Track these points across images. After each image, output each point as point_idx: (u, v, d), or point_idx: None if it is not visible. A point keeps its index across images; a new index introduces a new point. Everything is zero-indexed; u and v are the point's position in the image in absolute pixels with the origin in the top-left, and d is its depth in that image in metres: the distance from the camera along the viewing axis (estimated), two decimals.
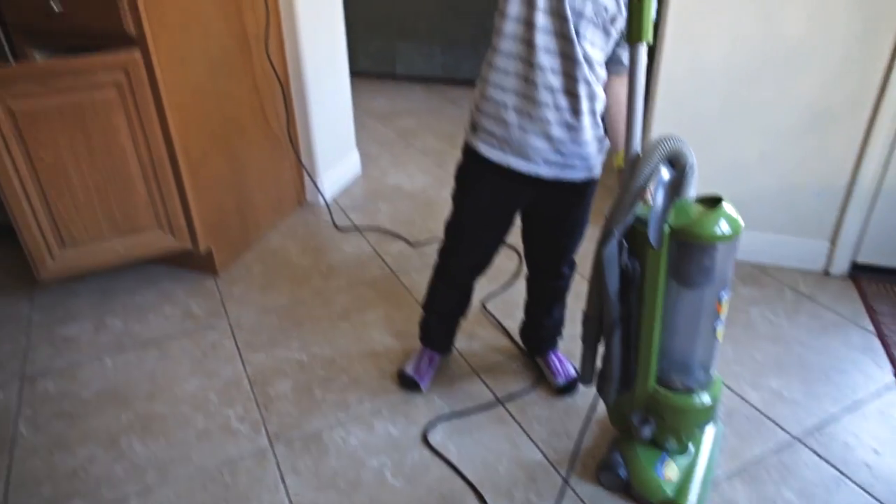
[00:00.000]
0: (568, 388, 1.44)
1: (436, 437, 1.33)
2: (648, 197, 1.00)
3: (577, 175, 1.17)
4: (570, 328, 1.51)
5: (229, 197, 1.92)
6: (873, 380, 1.49)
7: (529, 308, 1.49)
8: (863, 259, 1.88)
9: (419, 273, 1.93)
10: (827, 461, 1.27)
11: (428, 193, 2.43)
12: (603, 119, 1.16)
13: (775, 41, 1.68)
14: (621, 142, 1.14)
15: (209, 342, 1.63)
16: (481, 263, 1.35)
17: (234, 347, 1.61)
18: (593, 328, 1.12)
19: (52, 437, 1.34)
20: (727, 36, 1.71)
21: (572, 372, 1.47)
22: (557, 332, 1.49)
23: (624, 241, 1.01)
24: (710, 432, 1.24)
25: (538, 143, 1.11)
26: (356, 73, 2.61)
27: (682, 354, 1.10)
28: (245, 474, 1.25)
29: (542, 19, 1.01)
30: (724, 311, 1.05)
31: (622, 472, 1.17)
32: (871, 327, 1.67)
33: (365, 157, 2.69)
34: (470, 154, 1.19)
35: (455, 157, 2.52)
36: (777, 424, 1.36)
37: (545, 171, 1.14)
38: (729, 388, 1.46)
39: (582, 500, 1.19)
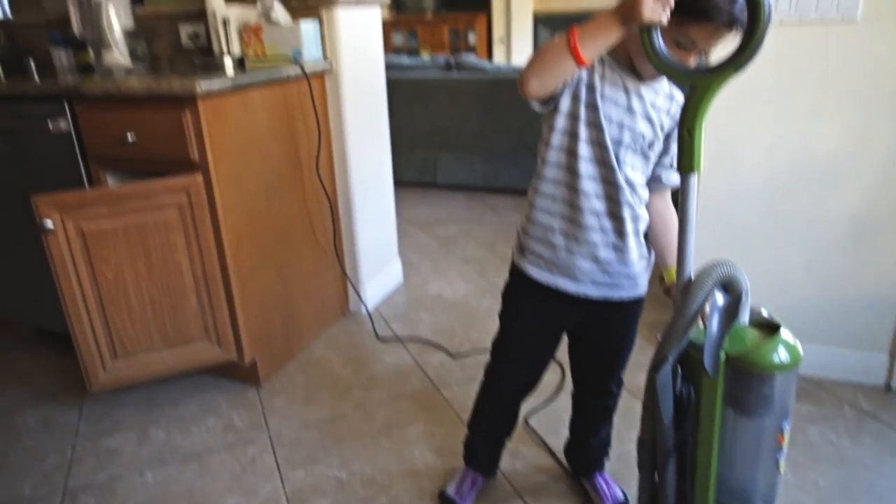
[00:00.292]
0: None
1: None
2: (703, 320, 0.98)
3: (624, 294, 1.17)
4: (616, 448, 1.45)
5: (276, 309, 1.97)
6: None
7: (575, 426, 1.45)
8: None
9: (460, 386, 1.90)
10: None
11: (469, 302, 2.44)
12: (646, 236, 1.17)
13: (812, 155, 1.70)
14: (667, 257, 1.16)
15: (249, 457, 1.62)
16: (529, 384, 1.33)
17: (273, 463, 1.59)
18: (649, 455, 1.08)
19: None
20: (763, 152, 1.74)
21: (620, 496, 1.40)
22: (604, 453, 1.44)
23: (678, 367, 0.99)
24: None
25: (585, 265, 1.13)
26: (399, 182, 2.72)
27: (741, 486, 1.03)
28: None
29: (584, 149, 1.06)
30: (787, 442, 1.00)
31: None
32: None
33: (406, 266, 2.74)
34: (517, 275, 1.21)
35: (495, 264, 2.55)
36: None
37: (593, 292, 1.15)
38: None
39: None
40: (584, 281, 1.14)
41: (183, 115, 1.54)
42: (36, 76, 1.92)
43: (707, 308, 0.97)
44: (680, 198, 0.98)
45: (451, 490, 1.42)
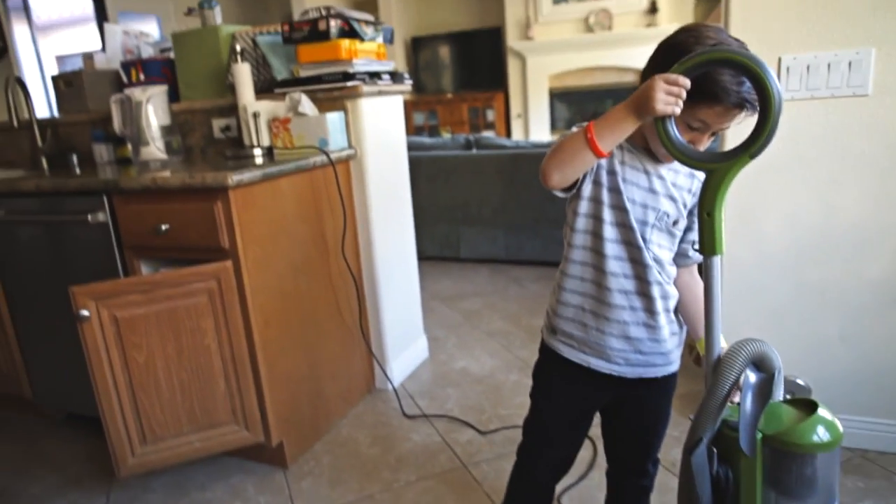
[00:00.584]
0: None
1: None
2: (737, 398, 0.97)
3: (658, 372, 1.16)
4: None
5: (302, 389, 1.97)
6: None
7: None
8: None
9: (489, 464, 1.86)
10: None
11: (496, 377, 2.42)
12: (676, 311, 1.17)
13: (836, 224, 1.69)
14: (697, 329, 1.15)
15: None
16: (563, 464, 1.30)
17: None
18: None
19: None
20: (786, 222, 1.74)
21: None
22: None
23: (713, 448, 0.96)
24: None
25: (617, 344, 1.12)
26: (422, 257, 2.76)
27: None
28: None
29: (609, 231, 1.07)
30: None
31: None
32: None
33: (432, 341, 2.74)
34: (549, 354, 1.21)
35: (521, 337, 2.54)
36: None
37: (626, 370, 1.14)
38: None
39: None
40: (617, 360, 1.13)
41: (215, 205, 1.61)
42: (78, 170, 2.04)
43: (739, 386, 0.95)
44: (704, 280, 0.98)
45: None
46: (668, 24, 6.09)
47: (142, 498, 1.82)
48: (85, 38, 6.60)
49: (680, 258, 1.16)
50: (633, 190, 1.06)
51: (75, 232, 1.88)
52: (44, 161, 2.46)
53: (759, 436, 0.92)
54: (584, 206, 1.09)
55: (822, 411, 0.93)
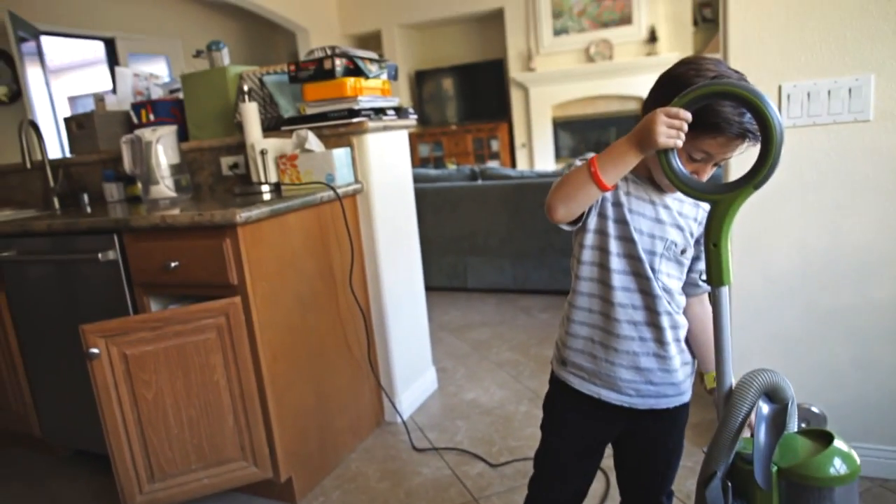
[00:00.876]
0: None
1: None
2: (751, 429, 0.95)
3: (670, 403, 1.15)
4: None
5: (311, 424, 1.96)
6: None
7: None
8: None
9: (500, 498, 1.83)
10: None
11: (506, 408, 2.40)
12: (688, 342, 1.16)
13: (844, 248, 1.69)
14: (707, 361, 1.15)
15: None
16: (576, 497, 1.27)
17: None
18: None
19: None
20: (794, 248, 1.73)
21: None
22: None
23: (728, 482, 0.95)
24: None
25: (627, 375, 1.11)
26: (429, 287, 2.76)
27: None
28: None
29: (616, 262, 1.07)
30: None
31: None
32: None
33: (441, 372, 2.73)
34: (559, 386, 1.20)
35: (530, 368, 2.52)
36: None
37: (637, 402, 1.13)
38: None
39: None
40: (628, 391, 1.12)
41: (224, 242, 1.63)
42: (89, 209, 2.07)
43: (753, 418, 0.94)
44: (713, 311, 0.98)
45: None
46: (668, 53, 6.17)
47: None
48: (96, 80, 6.76)
49: (690, 288, 1.16)
50: (639, 220, 1.06)
51: (86, 270, 1.90)
52: (55, 201, 2.51)
53: (775, 469, 0.91)
54: (590, 239, 1.09)
55: (839, 443, 0.91)
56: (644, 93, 1.08)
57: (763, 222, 1.75)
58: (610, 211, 1.07)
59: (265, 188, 2.02)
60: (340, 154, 2.03)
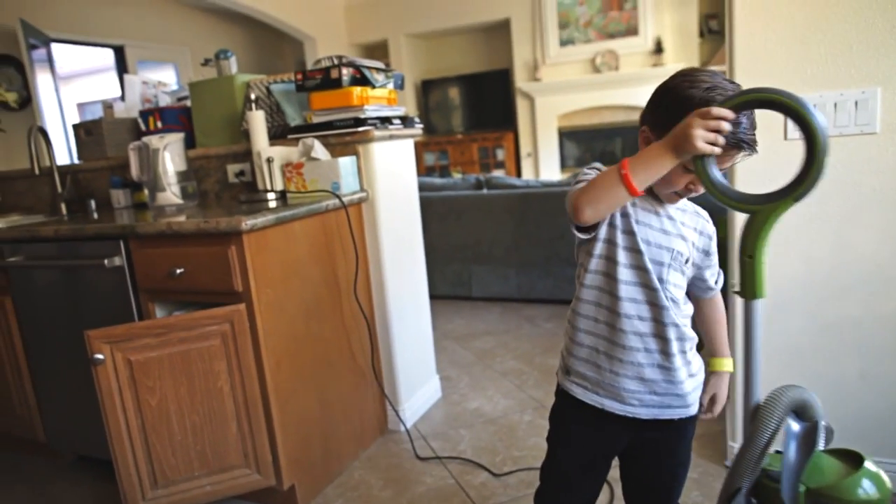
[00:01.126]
0: None
1: None
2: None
3: (674, 414, 1.14)
4: None
5: (314, 431, 1.96)
6: None
7: None
8: None
9: None
10: None
11: (510, 418, 2.39)
12: (694, 326, 1.16)
13: (851, 261, 1.68)
14: (715, 348, 1.19)
15: None
16: None
17: None
18: None
19: None
20: (800, 260, 1.73)
21: None
22: None
23: (752, 499, 0.93)
24: None
25: (631, 385, 1.11)
26: (434, 296, 2.76)
27: None
28: None
29: (624, 273, 1.07)
30: None
31: None
32: None
33: (444, 381, 2.72)
34: (564, 397, 1.20)
35: (535, 377, 2.52)
36: None
37: (641, 412, 1.12)
38: None
39: None
40: (632, 402, 1.12)
41: (229, 249, 1.64)
42: (95, 215, 2.08)
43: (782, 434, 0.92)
44: (744, 324, 0.96)
45: None
46: (673, 64, 6.18)
47: None
48: (105, 87, 6.81)
49: (703, 291, 1.18)
50: (646, 231, 1.06)
51: (91, 276, 1.91)
52: (63, 207, 2.52)
53: (802, 488, 0.89)
54: (598, 248, 1.08)
55: (869, 464, 0.89)
56: None
57: (770, 235, 1.75)
58: (619, 220, 1.07)
59: (271, 196, 2.03)
60: (346, 162, 2.04)
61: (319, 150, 2.04)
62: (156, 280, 1.78)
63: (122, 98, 2.65)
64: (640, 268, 1.07)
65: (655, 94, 1.05)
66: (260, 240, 1.70)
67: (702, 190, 1.01)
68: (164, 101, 2.68)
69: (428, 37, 7.62)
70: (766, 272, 0.93)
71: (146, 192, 2.28)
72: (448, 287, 4.00)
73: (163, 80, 2.82)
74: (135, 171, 2.26)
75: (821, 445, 0.93)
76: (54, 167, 2.60)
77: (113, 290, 1.87)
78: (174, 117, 2.44)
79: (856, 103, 1.59)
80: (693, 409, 1.17)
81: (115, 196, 2.48)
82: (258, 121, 2.09)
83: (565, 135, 7.02)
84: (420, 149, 7.48)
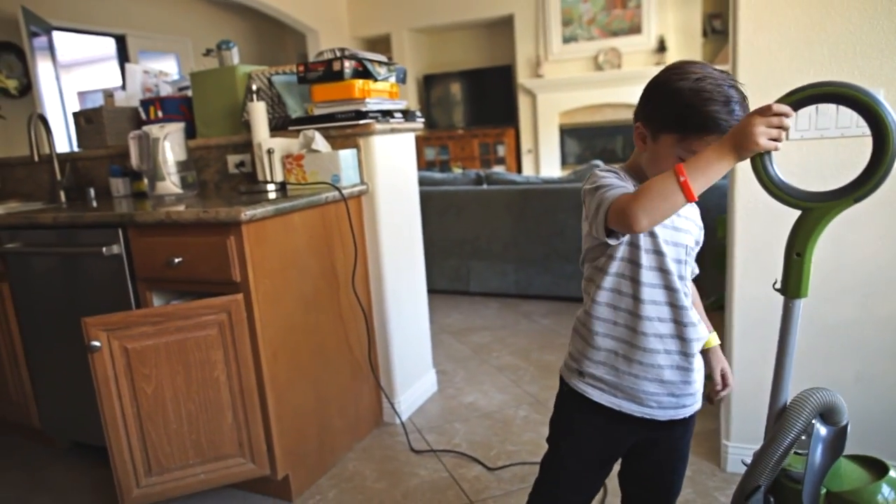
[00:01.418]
0: None
1: None
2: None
3: (686, 412, 1.14)
4: None
5: (310, 422, 1.96)
6: None
7: None
8: None
9: (497, 501, 1.83)
10: None
11: (505, 413, 2.39)
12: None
13: (849, 263, 1.68)
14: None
15: None
16: None
17: None
18: None
19: None
20: None
21: None
22: None
23: (770, 497, 0.93)
24: None
25: (651, 388, 1.10)
26: (432, 290, 2.76)
27: None
28: None
29: (647, 275, 1.06)
30: None
31: None
32: None
33: (441, 375, 2.72)
34: (574, 397, 1.17)
35: (531, 372, 2.51)
36: None
37: (658, 413, 1.12)
38: None
39: None
40: (650, 404, 1.11)
41: (227, 239, 1.64)
42: (94, 204, 2.08)
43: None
44: (783, 323, 0.95)
45: None
46: None
47: None
48: (106, 76, 6.80)
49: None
50: (667, 232, 1.05)
51: (89, 264, 1.91)
52: (62, 194, 2.52)
53: (823, 491, 0.89)
54: (621, 251, 1.06)
55: (893, 473, 0.89)
56: None
57: (767, 234, 1.75)
58: None
59: (271, 187, 2.03)
60: (347, 155, 2.04)
61: (320, 143, 2.04)
62: (154, 269, 1.78)
63: (123, 87, 2.64)
64: (662, 270, 1.06)
65: (646, 90, 1.05)
66: (259, 231, 1.70)
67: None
68: (165, 90, 2.67)
69: (431, 31, 7.60)
70: (811, 272, 0.90)
71: (146, 181, 2.28)
72: (446, 282, 4.00)
73: (164, 69, 2.82)
74: (135, 160, 2.26)
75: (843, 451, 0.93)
76: (54, 155, 2.59)
77: (111, 278, 1.87)
78: (175, 107, 2.44)
79: None
80: (699, 403, 1.17)
81: (114, 185, 2.48)
82: (259, 112, 2.08)
83: (566, 132, 7.01)
84: (421, 143, 7.47)
